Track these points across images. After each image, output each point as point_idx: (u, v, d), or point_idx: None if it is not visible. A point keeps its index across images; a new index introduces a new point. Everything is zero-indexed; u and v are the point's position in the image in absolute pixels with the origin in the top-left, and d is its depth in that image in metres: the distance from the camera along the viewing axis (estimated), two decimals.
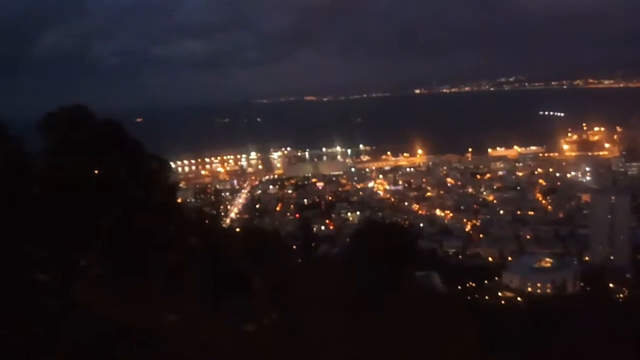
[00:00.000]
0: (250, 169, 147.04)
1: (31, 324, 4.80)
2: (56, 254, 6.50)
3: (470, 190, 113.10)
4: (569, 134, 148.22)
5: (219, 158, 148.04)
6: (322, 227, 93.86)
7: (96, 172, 11.55)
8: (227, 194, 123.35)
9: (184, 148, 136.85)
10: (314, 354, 4.85)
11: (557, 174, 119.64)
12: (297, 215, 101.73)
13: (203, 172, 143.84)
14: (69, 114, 12.73)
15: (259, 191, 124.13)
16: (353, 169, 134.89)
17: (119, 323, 4.59)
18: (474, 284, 57.79)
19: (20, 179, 10.16)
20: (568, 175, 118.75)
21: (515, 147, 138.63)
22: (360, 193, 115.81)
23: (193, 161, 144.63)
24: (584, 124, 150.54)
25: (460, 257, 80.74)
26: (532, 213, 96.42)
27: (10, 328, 4.47)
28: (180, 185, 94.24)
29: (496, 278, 65.00)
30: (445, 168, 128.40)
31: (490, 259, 79.68)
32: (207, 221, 24.10)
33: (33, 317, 4.72)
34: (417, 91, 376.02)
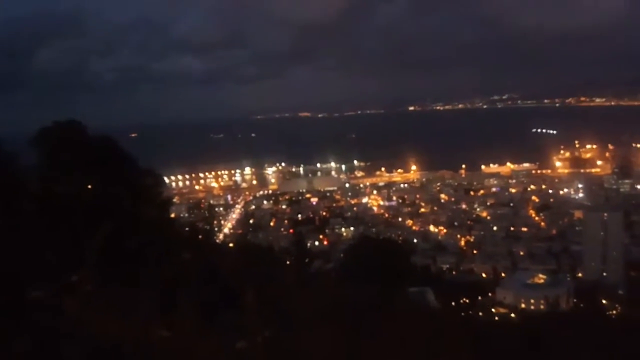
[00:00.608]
0: (244, 184, 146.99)
1: (23, 340, 4.76)
2: (48, 270, 6.47)
3: (463, 206, 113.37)
4: (562, 151, 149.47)
5: (213, 173, 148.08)
6: (316, 243, 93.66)
7: (89, 187, 11.53)
8: (221, 209, 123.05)
9: (178, 163, 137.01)
10: None
11: (550, 191, 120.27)
12: (291, 231, 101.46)
13: (197, 187, 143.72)
14: (61, 129, 12.73)
15: (253, 206, 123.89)
16: (347, 185, 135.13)
17: (111, 339, 4.56)
18: (467, 300, 57.66)
19: (13, 195, 10.12)
20: (561, 192, 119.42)
21: (509, 163, 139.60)
22: (355, 209, 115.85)
23: (187, 176, 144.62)
24: (576, 142, 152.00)
25: (454, 273, 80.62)
26: (525, 229, 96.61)
27: (1, 345, 4.43)
28: (174, 200, 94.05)
29: (490, 294, 64.89)
30: (439, 184, 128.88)
31: (483, 275, 79.58)
32: (200, 236, 24.03)
33: (25, 333, 4.68)
34: (411, 108, 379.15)
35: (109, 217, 8.72)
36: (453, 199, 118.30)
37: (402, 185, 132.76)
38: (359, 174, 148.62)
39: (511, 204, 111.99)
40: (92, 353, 4.42)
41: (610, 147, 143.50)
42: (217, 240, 66.92)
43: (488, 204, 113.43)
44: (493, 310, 57.86)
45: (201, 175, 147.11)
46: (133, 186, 12.75)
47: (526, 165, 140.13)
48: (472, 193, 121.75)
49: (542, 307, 55.53)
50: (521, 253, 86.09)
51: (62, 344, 4.58)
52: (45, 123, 13.16)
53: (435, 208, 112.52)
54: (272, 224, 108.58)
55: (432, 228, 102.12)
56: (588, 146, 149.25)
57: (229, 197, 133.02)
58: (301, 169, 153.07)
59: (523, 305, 59.27)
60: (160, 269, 8.42)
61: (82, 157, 12.07)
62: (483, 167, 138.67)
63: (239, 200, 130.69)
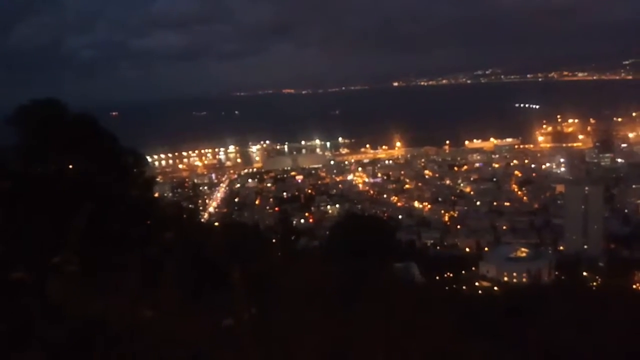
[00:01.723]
0: (228, 163, 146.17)
1: (4, 322, 4.68)
2: (29, 251, 6.36)
3: (447, 182, 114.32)
4: (544, 126, 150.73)
5: (196, 152, 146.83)
6: (302, 220, 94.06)
7: (69, 167, 11.34)
8: (206, 188, 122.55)
9: (161, 142, 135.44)
10: (294, 347, 4.83)
11: (533, 165, 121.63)
12: (276, 209, 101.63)
13: (181, 166, 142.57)
14: (40, 108, 12.45)
15: (238, 185, 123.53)
16: (332, 162, 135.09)
17: (95, 320, 4.51)
18: (451, 275, 58.55)
19: None
20: (543, 167, 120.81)
21: (492, 139, 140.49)
22: (340, 186, 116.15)
23: (170, 155, 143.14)
24: (558, 116, 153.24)
25: (438, 248, 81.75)
26: (508, 204, 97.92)
27: None
28: (157, 179, 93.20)
29: (473, 268, 66.01)
30: (423, 160, 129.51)
31: (467, 249, 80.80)
32: (184, 216, 23.91)
33: (6, 315, 4.60)
34: (395, 84, 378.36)
35: (90, 197, 8.60)
36: (437, 175, 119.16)
37: (386, 162, 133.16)
38: (344, 151, 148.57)
39: (494, 179, 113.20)
40: (76, 334, 4.38)
41: (592, 121, 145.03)
42: (202, 220, 66.75)
43: (471, 179, 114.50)
44: (477, 284, 58.87)
45: (184, 153, 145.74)
46: (115, 165, 12.59)
47: (509, 140, 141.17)
48: (455, 169, 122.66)
49: (524, 280, 56.63)
50: (504, 227, 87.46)
51: (45, 326, 4.52)
52: (23, 102, 12.86)
53: (420, 184, 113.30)
54: (257, 202, 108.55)
55: (416, 204, 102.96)
56: (570, 120, 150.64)
57: (213, 175, 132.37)
58: (286, 146, 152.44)
59: (506, 279, 60.42)
60: (144, 248, 8.34)
61: (62, 136, 11.84)
62: (467, 142, 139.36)
63: (223, 179, 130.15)
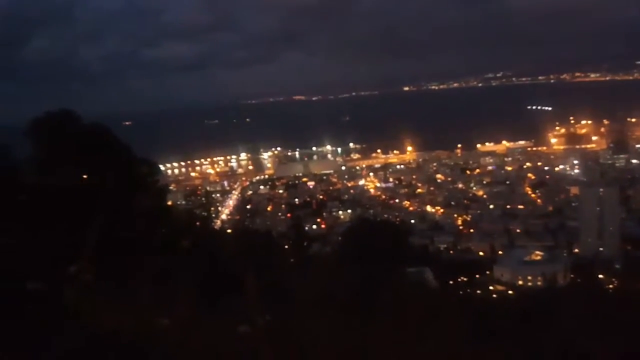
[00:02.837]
0: (240, 170, 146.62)
1: (21, 332, 4.77)
2: (45, 262, 6.46)
3: (460, 185, 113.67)
4: (557, 128, 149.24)
5: (209, 160, 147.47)
6: (314, 226, 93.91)
7: (84, 177, 11.47)
8: (218, 195, 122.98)
9: (174, 150, 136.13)
10: (309, 353, 4.86)
11: (546, 168, 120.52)
12: (288, 215, 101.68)
13: (193, 174, 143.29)
14: (55, 119, 12.62)
15: (250, 192, 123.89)
16: (343, 168, 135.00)
17: (111, 329, 4.57)
18: (465, 279, 58.10)
19: (7, 187, 10.07)
20: (556, 169, 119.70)
21: (504, 142, 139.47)
22: (351, 191, 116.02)
23: (183, 163, 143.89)
24: (571, 118, 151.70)
25: (451, 252, 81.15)
26: (521, 207, 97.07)
27: (1, 337, 4.44)
28: (170, 187, 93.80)
29: (487, 272, 65.42)
30: (435, 164, 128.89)
31: (481, 253, 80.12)
32: (198, 223, 24.05)
33: (23, 325, 4.69)
34: (406, 89, 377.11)
35: (105, 207, 8.70)
36: (449, 179, 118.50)
37: (398, 167, 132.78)
38: (355, 156, 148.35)
39: (507, 182, 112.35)
40: (92, 343, 4.44)
41: (605, 122, 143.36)
42: (215, 227, 67.01)
43: (484, 182, 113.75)
44: (491, 288, 58.38)
45: (197, 161, 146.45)
46: (129, 175, 12.71)
47: (522, 142, 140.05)
48: (468, 172, 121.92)
49: (539, 283, 56.08)
50: (518, 230, 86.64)
51: (62, 335, 4.59)
52: (37, 114, 13.04)
53: (432, 188, 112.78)
54: (269, 208, 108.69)
55: (429, 208, 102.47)
56: (583, 122, 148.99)
57: (226, 183, 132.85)
58: (297, 153, 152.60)
59: (520, 282, 59.84)
60: (159, 257, 8.42)
61: (77, 147, 11.99)
62: (479, 145, 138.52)
63: (235, 186, 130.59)
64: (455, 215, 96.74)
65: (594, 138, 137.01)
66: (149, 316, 5.04)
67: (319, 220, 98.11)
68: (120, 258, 7.84)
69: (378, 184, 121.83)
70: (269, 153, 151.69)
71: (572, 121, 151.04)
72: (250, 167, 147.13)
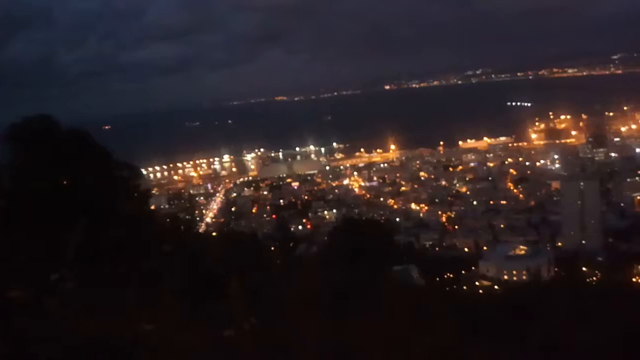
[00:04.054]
0: (223, 172, 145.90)
1: (3, 343, 4.64)
2: (26, 269, 6.31)
3: (443, 182, 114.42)
4: (537, 123, 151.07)
5: (191, 162, 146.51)
6: (300, 227, 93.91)
7: (64, 183, 11.28)
8: (202, 198, 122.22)
9: (155, 154, 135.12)
10: (295, 355, 4.81)
11: (527, 163, 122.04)
12: (273, 216, 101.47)
13: (176, 177, 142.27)
14: (32, 125, 12.39)
15: (234, 194, 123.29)
16: (327, 167, 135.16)
17: (94, 336, 4.47)
18: (451, 275, 58.43)
19: None
20: (537, 164, 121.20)
21: (485, 138, 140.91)
22: (336, 191, 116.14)
23: (165, 167, 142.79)
24: (550, 113, 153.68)
25: (437, 249, 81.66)
26: (504, 202, 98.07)
27: None
28: (153, 192, 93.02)
29: (473, 268, 65.86)
30: (418, 162, 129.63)
31: (466, 249, 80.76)
32: (182, 227, 23.80)
33: (4, 335, 4.56)
34: (387, 87, 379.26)
35: (86, 212, 8.55)
36: (433, 176, 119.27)
37: (382, 165, 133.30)
38: (339, 155, 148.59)
39: (490, 178, 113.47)
40: (76, 352, 4.34)
41: (584, 117, 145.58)
42: (200, 230, 66.55)
43: (467, 179, 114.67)
44: (477, 283, 58.76)
45: (179, 165, 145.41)
46: (109, 180, 12.52)
47: (503, 138, 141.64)
48: (451, 169, 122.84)
49: (524, 277, 56.56)
50: (501, 226, 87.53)
51: (45, 345, 4.49)
52: (15, 119, 12.79)
53: (416, 186, 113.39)
54: (254, 210, 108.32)
55: (413, 206, 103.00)
56: (562, 117, 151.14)
57: (209, 185, 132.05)
58: (280, 153, 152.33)
59: (506, 277, 60.32)
60: (142, 261, 8.30)
61: (55, 152, 11.78)
62: (460, 142, 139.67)
63: (219, 189, 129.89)
64: (440, 212, 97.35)
65: (573, 133, 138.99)
66: (133, 321, 4.94)
67: (304, 220, 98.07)
68: (103, 264, 7.71)
69: (362, 183, 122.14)
70: (252, 154, 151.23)
71: (552, 116, 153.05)
72: (234, 169, 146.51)
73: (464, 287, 50.88)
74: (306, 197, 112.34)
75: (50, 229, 8.19)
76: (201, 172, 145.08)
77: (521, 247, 69.08)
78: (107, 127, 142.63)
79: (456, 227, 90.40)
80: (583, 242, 75.72)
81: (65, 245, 6.59)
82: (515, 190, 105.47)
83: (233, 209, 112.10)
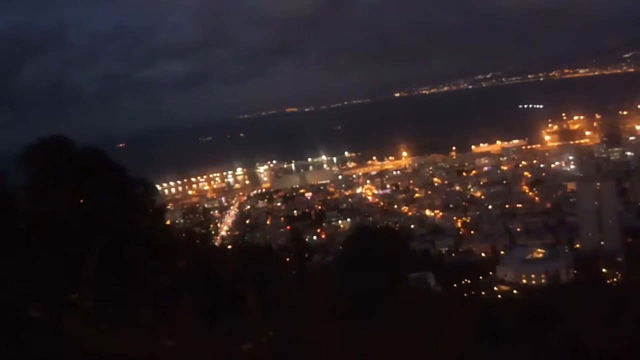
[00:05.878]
0: (237, 185, 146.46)
1: None
2: (44, 289, 6.38)
3: (457, 188, 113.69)
4: (550, 125, 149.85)
5: (205, 177, 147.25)
6: (314, 237, 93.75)
7: (80, 202, 11.42)
8: (216, 212, 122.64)
9: (169, 169, 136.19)
10: None
11: (541, 165, 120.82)
12: (288, 227, 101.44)
13: (190, 192, 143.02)
14: (48, 145, 12.59)
15: (248, 206, 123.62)
16: (340, 177, 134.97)
17: (114, 355, 4.50)
18: (469, 281, 57.99)
19: (3, 215, 10.00)
20: (552, 166, 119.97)
21: (498, 142, 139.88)
22: (349, 200, 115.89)
23: (179, 182, 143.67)
24: (563, 114, 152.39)
25: (453, 255, 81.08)
26: (520, 206, 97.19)
27: None
28: (168, 207, 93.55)
29: (490, 273, 65.31)
30: (431, 168, 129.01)
31: (483, 254, 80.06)
32: (197, 241, 23.94)
33: (23, 355, 4.60)
34: (397, 94, 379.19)
35: (102, 231, 8.64)
36: (446, 182, 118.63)
37: (394, 172, 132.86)
38: (351, 164, 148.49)
39: (504, 182, 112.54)
40: None
41: (597, 116, 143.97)
42: (215, 244, 66.77)
43: (481, 183, 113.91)
44: (495, 288, 58.22)
45: (193, 179, 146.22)
46: (125, 197, 12.66)
47: (516, 141, 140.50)
48: (464, 174, 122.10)
49: (543, 281, 55.93)
50: (518, 229, 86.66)
51: None
52: (31, 140, 13.02)
53: (430, 192, 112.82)
54: (268, 222, 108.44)
55: (427, 212, 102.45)
56: (575, 117, 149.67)
57: (223, 199, 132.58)
58: (293, 164, 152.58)
59: (524, 281, 59.69)
60: (159, 278, 8.35)
61: (71, 171, 11.95)
62: (473, 147, 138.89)
63: (233, 202, 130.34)
64: (455, 218, 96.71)
65: (587, 133, 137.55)
66: (152, 338, 4.96)
67: (318, 230, 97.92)
68: (121, 281, 7.77)
69: (375, 191, 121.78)
70: (265, 167, 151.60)
71: (565, 117, 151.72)
72: (247, 182, 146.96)
73: (483, 293, 50.43)
74: (320, 207, 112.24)
75: (67, 248, 8.28)
76: (215, 186, 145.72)
77: (539, 250, 68.39)
78: (121, 145, 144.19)
79: (472, 232, 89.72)
80: (601, 242, 74.69)
81: (82, 265, 6.65)
82: (530, 193, 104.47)
83: (247, 221, 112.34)
